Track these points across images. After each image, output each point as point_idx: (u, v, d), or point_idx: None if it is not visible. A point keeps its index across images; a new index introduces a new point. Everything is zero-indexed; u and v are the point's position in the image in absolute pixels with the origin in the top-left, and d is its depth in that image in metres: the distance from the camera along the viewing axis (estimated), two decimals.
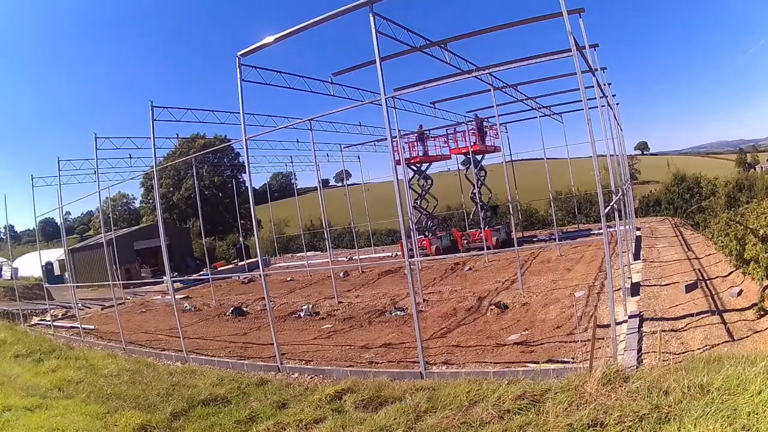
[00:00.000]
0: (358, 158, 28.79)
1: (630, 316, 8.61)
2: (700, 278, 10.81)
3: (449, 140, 22.66)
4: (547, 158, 21.41)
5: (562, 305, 10.58)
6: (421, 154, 22.35)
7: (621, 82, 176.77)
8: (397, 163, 11.67)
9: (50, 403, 7.85)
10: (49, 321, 17.83)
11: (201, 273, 24.02)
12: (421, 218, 22.55)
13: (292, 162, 27.90)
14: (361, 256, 23.39)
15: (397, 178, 9.42)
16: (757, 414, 3.84)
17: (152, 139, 11.77)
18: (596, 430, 4.42)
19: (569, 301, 10.75)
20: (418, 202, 22.38)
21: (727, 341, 7.10)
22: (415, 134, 22.02)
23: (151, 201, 48.57)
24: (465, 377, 6.62)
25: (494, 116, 15.79)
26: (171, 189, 44.93)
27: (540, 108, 19.25)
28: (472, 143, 21.07)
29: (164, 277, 18.43)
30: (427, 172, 23.03)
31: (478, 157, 21.70)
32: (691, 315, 8.47)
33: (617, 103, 18.54)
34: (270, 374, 9.16)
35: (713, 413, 4.02)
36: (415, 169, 22.49)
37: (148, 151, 17.43)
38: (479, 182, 21.68)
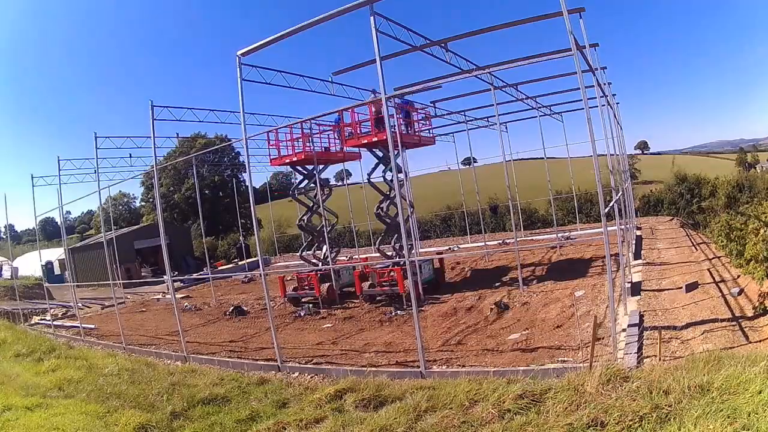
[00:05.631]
0: (360, 157, 28.73)
1: (630, 316, 8.61)
2: (701, 278, 10.81)
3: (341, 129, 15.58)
4: (547, 157, 21.41)
5: (562, 305, 10.58)
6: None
7: (621, 82, 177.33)
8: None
9: (50, 402, 7.85)
10: (49, 320, 17.84)
11: (201, 272, 24.01)
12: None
13: None
14: (361, 256, 23.38)
15: (397, 176, 9.45)
16: (757, 414, 3.84)
17: (152, 138, 11.77)
18: (596, 429, 4.42)
19: (569, 301, 10.75)
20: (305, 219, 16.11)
21: (727, 340, 7.10)
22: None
23: (151, 200, 48.54)
24: (465, 376, 6.62)
25: (494, 115, 15.76)
26: (171, 188, 44.90)
27: (540, 107, 19.22)
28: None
29: (164, 277, 18.43)
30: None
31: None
32: (692, 315, 8.48)
33: (617, 103, 18.53)
34: (270, 373, 9.16)
35: (713, 413, 4.01)
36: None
37: (148, 151, 17.45)
38: (391, 190, 14.38)
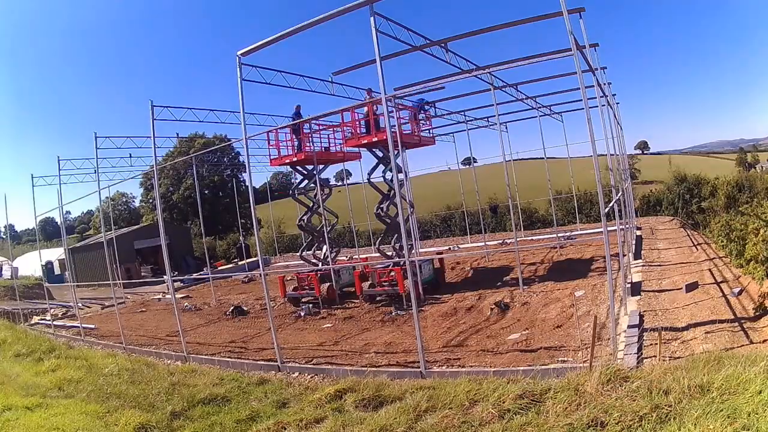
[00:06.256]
0: (359, 157, 28.74)
1: (630, 316, 8.61)
2: (701, 278, 10.81)
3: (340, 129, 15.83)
4: (547, 157, 21.42)
5: (562, 305, 10.58)
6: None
7: (621, 82, 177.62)
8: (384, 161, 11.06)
9: (50, 402, 7.86)
10: (49, 320, 17.83)
11: (201, 272, 24.01)
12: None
13: None
14: (361, 256, 23.38)
15: (397, 176, 9.45)
16: (757, 414, 3.84)
17: (152, 138, 11.77)
18: (596, 429, 4.43)
19: (569, 301, 10.75)
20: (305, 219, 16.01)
21: (728, 341, 7.10)
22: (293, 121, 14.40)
23: (150, 200, 48.58)
24: (465, 376, 6.62)
25: (494, 115, 15.77)
26: (171, 189, 44.91)
27: (540, 107, 19.24)
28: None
29: (164, 277, 18.43)
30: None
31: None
32: (692, 315, 8.47)
33: (617, 103, 18.54)
34: (270, 373, 9.16)
35: (713, 413, 4.02)
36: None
37: (148, 151, 17.48)
38: (391, 190, 14.33)
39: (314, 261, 15.88)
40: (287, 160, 15.23)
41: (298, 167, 15.83)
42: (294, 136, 14.96)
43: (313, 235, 16.23)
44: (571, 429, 4.52)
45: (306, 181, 16.06)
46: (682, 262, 13.08)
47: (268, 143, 15.59)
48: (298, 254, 17.65)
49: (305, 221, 16.06)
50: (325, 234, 15.48)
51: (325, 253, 15.84)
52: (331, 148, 16.40)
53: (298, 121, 13.97)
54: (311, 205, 16.34)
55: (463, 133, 22.78)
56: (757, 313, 7.81)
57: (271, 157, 15.62)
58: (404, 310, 12.29)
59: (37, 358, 11.48)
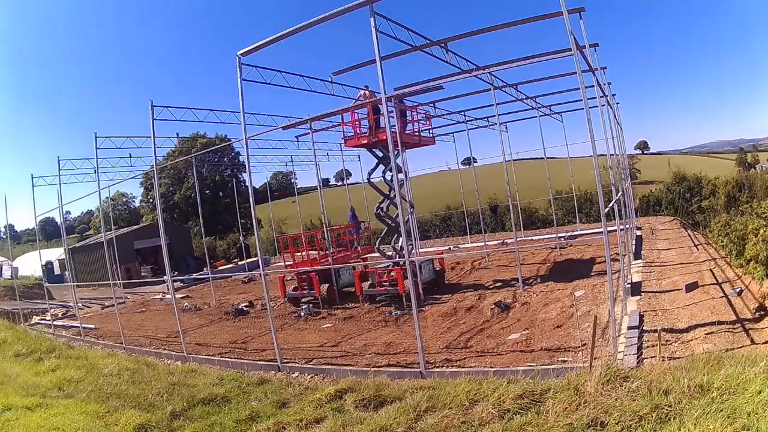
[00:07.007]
0: (359, 157, 28.76)
1: (630, 316, 8.61)
2: (701, 278, 10.80)
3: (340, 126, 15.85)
4: (547, 157, 21.41)
5: (562, 305, 10.58)
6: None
7: (621, 82, 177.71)
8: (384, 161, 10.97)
9: (50, 402, 7.85)
10: (49, 320, 17.84)
11: (201, 272, 24.00)
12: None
13: (292, 161, 27.81)
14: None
15: (397, 176, 9.46)
16: (757, 414, 3.84)
17: (152, 138, 11.77)
18: (596, 429, 4.42)
19: (569, 301, 10.75)
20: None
21: (727, 341, 7.10)
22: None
23: (150, 200, 48.57)
24: (465, 376, 6.61)
25: (494, 115, 15.77)
26: (171, 189, 44.91)
27: (540, 107, 19.22)
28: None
29: (164, 277, 18.43)
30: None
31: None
32: (692, 315, 8.47)
33: (617, 103, 18.52)
34: (270, 373, 9.17)
35: (713, 413, 4.01)
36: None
37: (148, 151, 17.42)
38: (391, 190, 14.29)
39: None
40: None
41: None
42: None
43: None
44: (571, 429, 4.51)
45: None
46: (682, 262, 13.08)
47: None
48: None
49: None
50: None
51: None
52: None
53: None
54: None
55: (463, 133, 22.75)
56: (758, 314, 7.80)
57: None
58: (404, 310, 12.29)
59: (37, 358, 11.47)
